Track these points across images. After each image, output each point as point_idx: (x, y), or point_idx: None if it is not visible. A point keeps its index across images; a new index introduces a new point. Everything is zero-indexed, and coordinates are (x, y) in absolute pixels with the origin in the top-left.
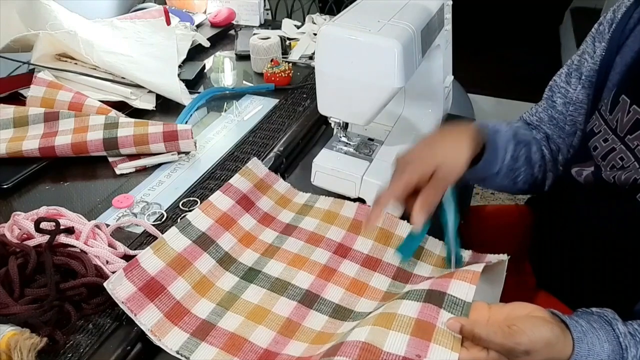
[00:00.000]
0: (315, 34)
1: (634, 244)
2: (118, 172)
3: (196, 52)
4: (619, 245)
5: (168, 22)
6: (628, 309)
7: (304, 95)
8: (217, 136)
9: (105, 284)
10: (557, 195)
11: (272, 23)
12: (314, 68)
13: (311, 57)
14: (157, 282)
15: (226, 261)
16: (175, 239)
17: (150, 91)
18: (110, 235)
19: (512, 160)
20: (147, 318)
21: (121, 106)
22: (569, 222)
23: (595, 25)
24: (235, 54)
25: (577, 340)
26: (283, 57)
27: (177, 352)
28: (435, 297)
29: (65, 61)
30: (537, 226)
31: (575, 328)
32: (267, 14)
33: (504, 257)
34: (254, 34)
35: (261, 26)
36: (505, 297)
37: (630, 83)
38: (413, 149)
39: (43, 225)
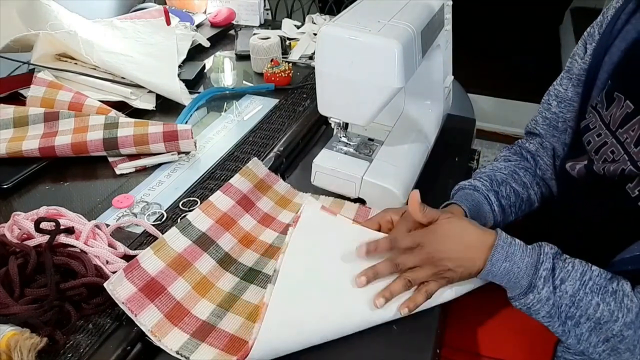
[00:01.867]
0: (315, 34)
1: (624, 234)
2: (118, 172)
3: (196, 52)
4: (610, 236)
5: (168, 22)
6: None
7: (304, 95)
8: (217, 136)
9: (105, 285)
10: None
11: (272, 23)
12: (314, 68)
13: (311, 57)
14: (157, 283)
15: (226, 261)
16: (175, 239)
17: (150, 91)
18: (110, 235)
19: (501, 204)
20: (147, 318)
21: (121, 106)
22: (562, 214)
23: (588, 29)
24: (235, 54)
25: (498, 244)
26: (283, 57)
27: (177, 353)
28: None
29: (65, 61)
30: (531, 220)
31: (501, 235)
32: (267, 14)
33: None
34: (254, 34)
35: (261, 26)
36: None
37: (619, 81)
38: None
39: (43, 225)
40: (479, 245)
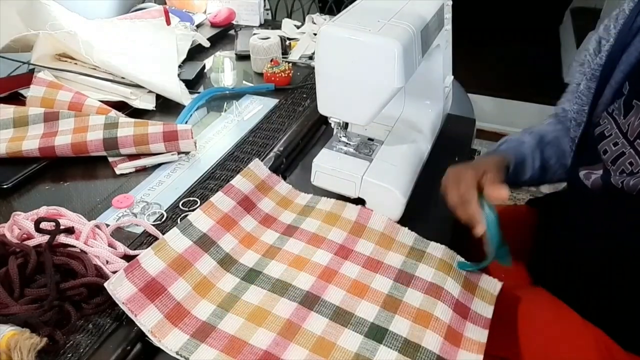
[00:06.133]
0: (315, 34)
1: (637, 249)
2: (118, 172)
3: (196, 52)
4: (622, 250)
5: (168, 22)
6: (626, 312)
7: (304, 95)
8: (217, 136)
9: (105, 285)
10: (561, 197)
11: (272, 23)
12: (314, 68)
13: (311, 57)
14: (157, 283)
15: (227, 262)
16: (176, 240)
17: (150, 91)
18: (110, 235)
19: (542, 163)
20: (148, 319)
21: (121, 106)
22: (572, 224)
23: (605, 21)
24: (235, 54)
25: None
26: (283, 57)
27: (177, 353)
28: None
29: (65, 61)
30: (538, 227)
31: None
32: (267, 14)
33: (499, 285)
34: (254, 34)
35: (261, 26)
36: (503, 295)
37: (637, 87)
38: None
39: (43, 225)
40: None
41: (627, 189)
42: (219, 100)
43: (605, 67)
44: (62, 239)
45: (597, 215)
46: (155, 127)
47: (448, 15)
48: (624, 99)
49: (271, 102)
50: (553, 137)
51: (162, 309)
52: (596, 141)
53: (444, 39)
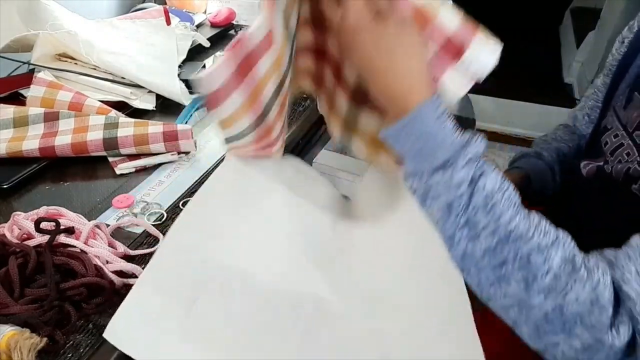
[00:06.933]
0: None
1: (629, 236)
2: (118, 172)
3: (196, 52)
4: (616, 238)
5: (168, 22)
6: None
7: (304, 95)
8: (217, 136)
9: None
10: (564, 194)
11: None
12: None
13: None
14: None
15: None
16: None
17: (150, 91)
18: (110, 235)
19: (562, 175)
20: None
21: (121, 106)
22: (574, 220)
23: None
24: None
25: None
26: None
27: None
28: None
29: (65, 61)
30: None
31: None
32: None
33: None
34: None
35: None
36: None
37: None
38: None
39: (43, 225)
40: (419, 83)
41: (615, 175)
42: None
43: (621, 62)
44: (62, 239)
45: (596, 210)
46: (155, 127)
47: None
48: (627, 92)
49: None
50: (572, 147)
51: (244, 94)
52: (599, 134)
53: None
